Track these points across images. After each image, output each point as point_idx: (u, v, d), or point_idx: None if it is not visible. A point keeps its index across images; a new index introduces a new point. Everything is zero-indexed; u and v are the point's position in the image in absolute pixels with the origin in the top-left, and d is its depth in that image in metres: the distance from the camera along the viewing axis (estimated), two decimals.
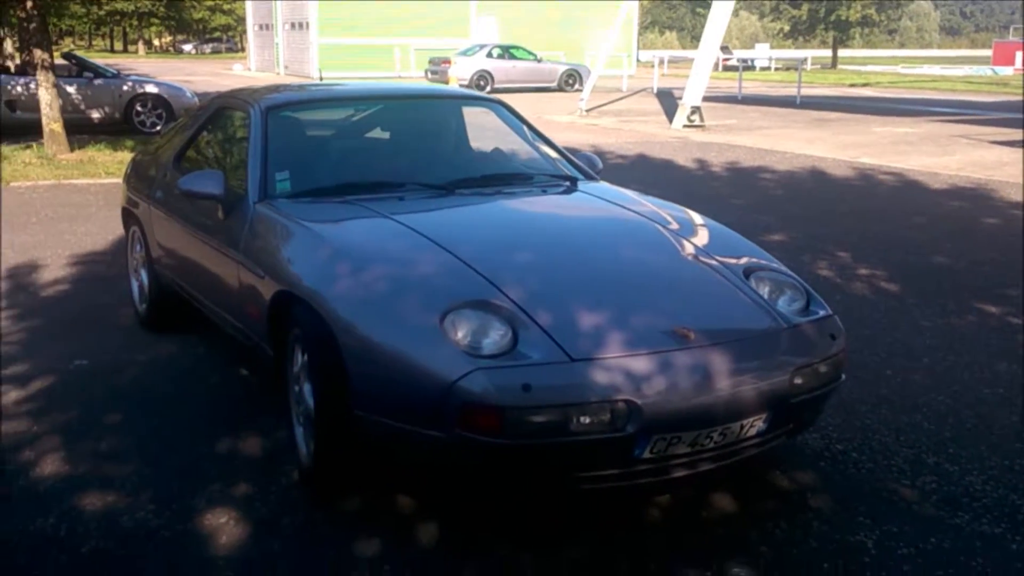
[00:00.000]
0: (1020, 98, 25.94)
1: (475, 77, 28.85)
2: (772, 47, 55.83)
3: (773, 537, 3.08)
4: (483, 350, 2.88)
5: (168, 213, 4.72)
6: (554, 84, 30.33)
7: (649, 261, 3.63)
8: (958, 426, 3.96)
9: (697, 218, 4.17)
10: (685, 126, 17.14)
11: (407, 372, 2.92)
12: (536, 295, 3.14)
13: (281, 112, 4.40)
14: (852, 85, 32.73)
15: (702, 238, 3.91)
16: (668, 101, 21.85)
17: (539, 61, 30.70)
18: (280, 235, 3.76)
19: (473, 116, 5.06)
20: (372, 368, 3.02)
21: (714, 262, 3.60)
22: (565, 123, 18.77)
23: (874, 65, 50.74)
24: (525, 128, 4.93)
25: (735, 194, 10.06)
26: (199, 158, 4.89)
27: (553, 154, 4.82)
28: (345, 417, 3.06)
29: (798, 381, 3.11)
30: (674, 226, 3.96)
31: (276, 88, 5.04)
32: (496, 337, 2.93)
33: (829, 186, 10.73)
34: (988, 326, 5.36)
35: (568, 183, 4.51)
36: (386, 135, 4.92)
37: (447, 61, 28.84)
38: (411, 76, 34.59)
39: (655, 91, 26.95)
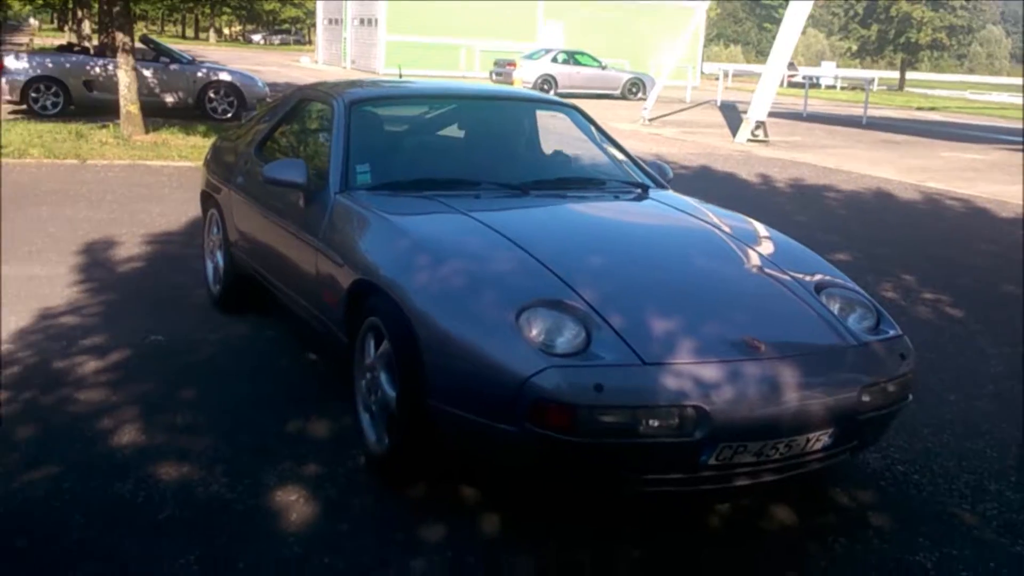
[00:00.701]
0: None
1: (539, 81, 28.92)
2: (838, 66, 55.23)
3: (832, 552, 3.11)
4: (557, 348, 2.94)
5: (248, 198, 4.84)
6: (617, 92, 30.28)
7: (720, 271, 3.67)
8: (1021, 455, 3.94)
9: (768, 231, 4.20)
10: (749, 140, 17.06)
11: (481, 366, 2.98)
12: (609, 298, 3.20)
13: (363, 106, 4.51)
14: (919, 108, 32.30)
15: (773, 251, 3.94)
16: (731, 114, 21.74)
17: (603, 68, 30.67)
18: (361, 225, 3.85)
19: (547, 120, 5.13)
20: (447, 360, 3.08)
21: (785, 276, 3.63)
22: (628, 131, 18.76)
23: (942, 89, 49.94)
24: (598, 134, 4.98)
25: (798, 211, 10.01)
26: (280, 147, 5.02)
27: (625, 161, 4.87)
28: (420, 407, 3.13)
29: (866, 399, 3.12)
30: (746, 237, 3.99)
31: (357, 83, 5.16)
32: (570, 336, 2.98)
33: (894, 208, 10.63)
34: None
35: (639, 190, 4.56)
36: (462, 134, 5.00)
37: (512, 64, 28.97)
38: (475, 76, 34.80)
39: (719, 104, 26.82)
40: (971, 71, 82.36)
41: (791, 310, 3.43)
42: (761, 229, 4.22)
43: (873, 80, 44.32)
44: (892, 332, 3.44)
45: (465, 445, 3.18)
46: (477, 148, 4.90)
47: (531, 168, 4.73)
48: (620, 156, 4.90)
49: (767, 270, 3.70)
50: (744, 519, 3.30)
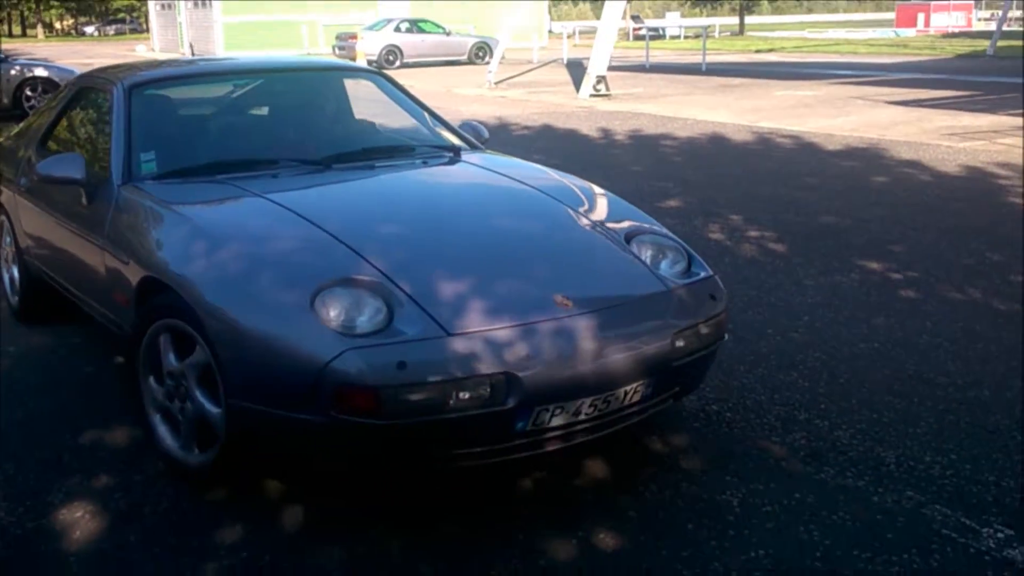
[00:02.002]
0: (919, 58, 26.57)
1: (383, 52, 28.50)
2: (683, 16, 56.20)
3: (642, 500, 3.10)
4: (357, 328, 2.81)
5: (34, 201, 4.53)
6: (464, 57, 30.14)
7: (528, 230, 3.59)
8: (832, 382, 4.03)
9: (578, 184, 4.14)
10: (592, 96, 17.18)
11: (278, 356, 2.83)
12: (410, 269, 3.08)
13: (145, 90, 4.25)
14: (758, 51, 33.13)
15: (582, 204, 3.88)
16: (577, 71, 21.82)
17: (448, 34, 30.44)
18: (144, 218, 3.63)
19: (352, 89, 4.96)
20: (241, 353, 2.91)
21: (595, 228, 3.61)
22: (473, 96, 18.66)
23: (782, 31, 51.42)
24: (408, 99, 4.84)
25: (635, 161, 10.11)
26: (62, 142, 4.71)
27: (436, 125, 4.74)
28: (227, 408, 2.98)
29: (679, 344, 3.11)
30: (554, 193, 3.92)
31: (142, 66, 4.85)
32: (370, 314, 2.86)
33: (728, 151, 10.84)
34: (869, 282, 5.46)
35: (451, 154, 4.44)
36: (262, 111, 4.79)
37: (354, 36, 28.38)
38: (319, 52, 34.02)
39: (565, 62, 26.92)
40: (810, 11, 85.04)
41: (600, 262, 3.40)
42: (570, 183, 4.15)
43: (714, 27, 45.34)
44: (703, 274, 3.44)
45: (269, 441, 3.02)
46: (278, 125, 4.69)
47: (334, 141, 4.53)
48: (431, 120, 4.77)
49: (574, 224, 3.67)
50: (559, 481, 3.26)
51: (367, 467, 3.06)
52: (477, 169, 4.29)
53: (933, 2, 47.98)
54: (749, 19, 53.70)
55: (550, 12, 57.30)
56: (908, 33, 42.05)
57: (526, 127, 13.31)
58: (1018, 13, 44.11)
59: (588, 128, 13.07)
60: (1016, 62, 21.55)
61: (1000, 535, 2.88)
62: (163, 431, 3.32)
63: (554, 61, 27.87)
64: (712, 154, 10.61)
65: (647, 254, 3.46)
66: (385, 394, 2.68)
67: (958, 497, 3.09)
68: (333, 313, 2.85)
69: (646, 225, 3.72)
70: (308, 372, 2.75)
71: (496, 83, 20.36)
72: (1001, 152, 10.05)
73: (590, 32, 44.03)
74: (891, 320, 4.79)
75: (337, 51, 29.41)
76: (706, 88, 18.73)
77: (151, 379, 3.35)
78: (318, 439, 2.86)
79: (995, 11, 33.69)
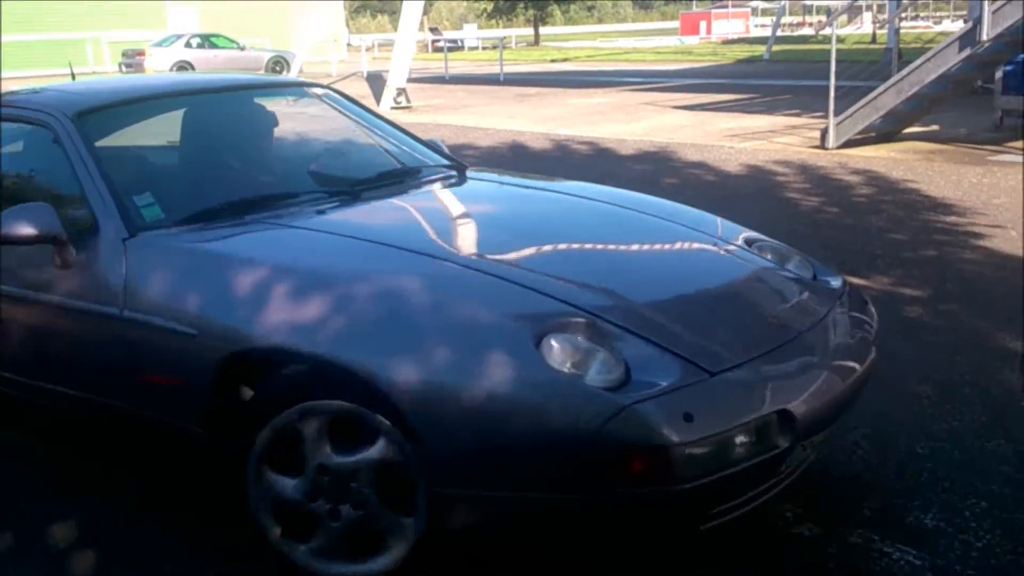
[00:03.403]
0: (702, 64, 28.01)
1: (174, 69, 27.58)
2: (480, 27, 57.03)
3: None
4: (599, 380, 2.36)
5: None
6: (261, 73, 29.54)
7: (686, 254, 3.29)
8: None
9: (654, 199, 3.91)
10: (392, 107, 17.20)
11: (520, 427, 2.31)
12: (615, 305, 2.68)
13: (95, 119, 3.50)
14: (553, 60, 34.06)
15: (679, 218, 3.63)
16: (377, 84, 21.75)
17: (243, 49, 29.83)
18: (212, 278, 2.87)
19: (305, 107, 4.54)
20: (461, 432, 2.37)
21: (724, 242, 3.38)
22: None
23: (575, 41, 53.01)
24: (370, 115, 4.41)
25: None
26: None
27: (412, 142, 4.29)
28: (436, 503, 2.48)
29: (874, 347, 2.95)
30: (658, 212, 3.66)
31: (68, 88, 4.06)
32: (604, 361, 2.41)
33: (527, 158, 11.11)
34: None
35: (457, 173, 4.02)
36: (235, 136, 4.13)
37: (141, 53, 27.39)
38: (106, 71, 32.51)
39: (365, 75, 26.80)
40: (600, 21, 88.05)
41: (765, 277, 3.17)
42: (651, 199, 3.90)
43: (510, 37, 46.24)
44: (833, 280, 3.33)
45: (497, 530, 2.55)
46: (263, 151, 4.13)
47: (333, 166, 4.05)
48: (407, 138, 4.34)
49: (708, 241, 3.38)
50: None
51: (617, 542, 2.66)
52: (531, 191, 3.99)
53: (714, 10, 50.70)
54: (544, 30, 55.11)
55: (348, 25, 56.95)
56: (692, 40, 44.19)
57: (327, 143, 13.16)
58: (792, 19, 47.18)
59: None
60: (789, 65, 23.10)
61: None
62: (278, 535, 2.73)
63: (354, 74, 27.69)
64: (512, 162, 10.84)
65: (776, 259, 3.32)
66: (677, 454, 2.26)
67: None
68: (568, 364, 2.39)
69: (754, 233, 3.56)
70: (573, 440, 2.27)
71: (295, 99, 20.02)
72: (778, 150, 10.76)
73: (389, 44, 43.99)
74: None
75: (124, 68, 28.24)
76: (505, 98, 19.09)
77: (272, 473, 2.68)
78: (569, 520, 2.44)
79: (771, 17, 35.91)
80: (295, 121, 4.47)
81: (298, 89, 4.75)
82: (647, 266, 3.19)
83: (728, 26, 47.74)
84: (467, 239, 3.30)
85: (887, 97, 10.42)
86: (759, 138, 11.78)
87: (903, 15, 23.49)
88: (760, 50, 30.24)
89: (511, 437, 2.33)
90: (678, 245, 3.36)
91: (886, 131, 10.93)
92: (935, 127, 11.76)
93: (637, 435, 2.26)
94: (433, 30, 49.44)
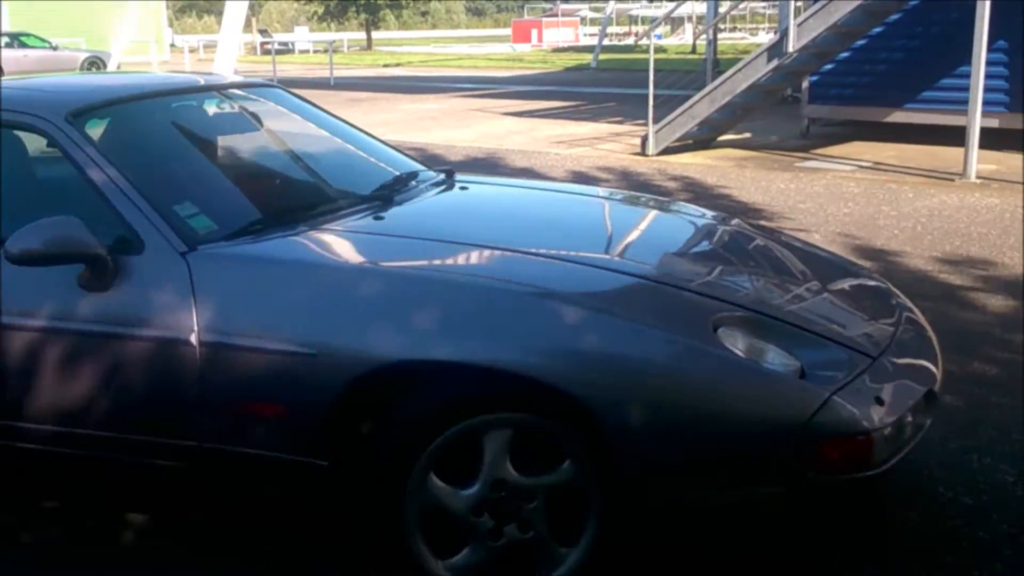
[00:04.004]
0: (532, 71, 28.46)
1: None
2: (311, 30, 56.12)
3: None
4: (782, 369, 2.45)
5: None
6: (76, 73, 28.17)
7: (748, 243, 3.53)
8: None
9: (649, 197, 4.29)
10: (216, 113, 16.68)
11: (731, 421, 2.33)
12: (758, 297, 2.81)
13: (92, 118, 3.12)
14: (386, 65, 33.89)
15: (700, 215, 3.89)
16: None
17: (55, 49, 28.39)
18: (325, 290, 2.62)
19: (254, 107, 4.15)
20: (669, 433, 2.34)
21: (736, 231, 3.65)
22: None
23: (409, 46, 52.89)
24: (329, 117, 4.16)
25: None
26: None
27: (383, 147, 4.13)
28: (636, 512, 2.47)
29: None
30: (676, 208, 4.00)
31: (45, 85, 3.61)
32: (776, 351, 2.48)
33: None
34: None
35: (446, 176, 3.84)
36: (237, 138, 3.94)
37: None
38: None
39: None
40: (434, 26, 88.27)
41: (799, 253, 3.48)
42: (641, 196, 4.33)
43: (342, 41, 45.75)
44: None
45: (686, 534, 2.64)
46: (271, 154, 3.91)
47: (349, 168, 3.83)
48: (372, 141, 4.17)
49: (781, 243, 3.63)
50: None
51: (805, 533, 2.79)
52: (523, 191, 4.10)
53: (545, 19, 51.63)
54: (377, 34, 54.76)
55: (173, 25, 55.00)
56: (524, 48, 44.85)
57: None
58: (618, 29, 48.55)
59: None
60: (615, 74, 23.76)
61: None
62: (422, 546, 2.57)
63: None
64: None
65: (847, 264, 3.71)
66: (877, 438, 2.34)
67: None
68: (748, 355, 2.44)
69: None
70: (783, 432, 2.31)
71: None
72: (601, 157, 11.03)
73: (216, 46, 42.79)
74: None
75: None
76: (335, 102, 18.81)
77: (439, 481, 2.52)
78: (765, 515, 2.53)
79: (599, 27, 36.89)
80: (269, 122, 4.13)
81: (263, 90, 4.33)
82: (750, 267, 3.26)
83: (559, 34, 48.73)
84: (576, 242, 3.19)
85: (702, 106, 10.84)
86: (584, 144, 12.05)
87: (722, 26, 24.57)
88: (588, 58, 30.97)
89: (721, 436, 2.33)
90: (752, 244, 3.52)
91: (702, 138, 11.38)
92: (748, 135, 12.33)
93: (842, 423, 2.32)
94: (262, 32, 48.37)
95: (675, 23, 39.86)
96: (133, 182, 2.85)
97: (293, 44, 47.13)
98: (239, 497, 3.15)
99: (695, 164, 10.41)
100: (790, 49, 10.18)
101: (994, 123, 10.05)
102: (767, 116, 13.10)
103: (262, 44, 44.07)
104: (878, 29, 11.25)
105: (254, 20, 46.96)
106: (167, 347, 2.63)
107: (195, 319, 2.61)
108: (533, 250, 2.87)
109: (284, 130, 4.05)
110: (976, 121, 8.93)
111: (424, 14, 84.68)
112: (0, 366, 2.83)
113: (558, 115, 15.70)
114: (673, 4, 22.85)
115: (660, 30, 16.95)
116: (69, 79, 4.25)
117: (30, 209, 2.93)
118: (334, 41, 32.20)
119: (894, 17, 11.14)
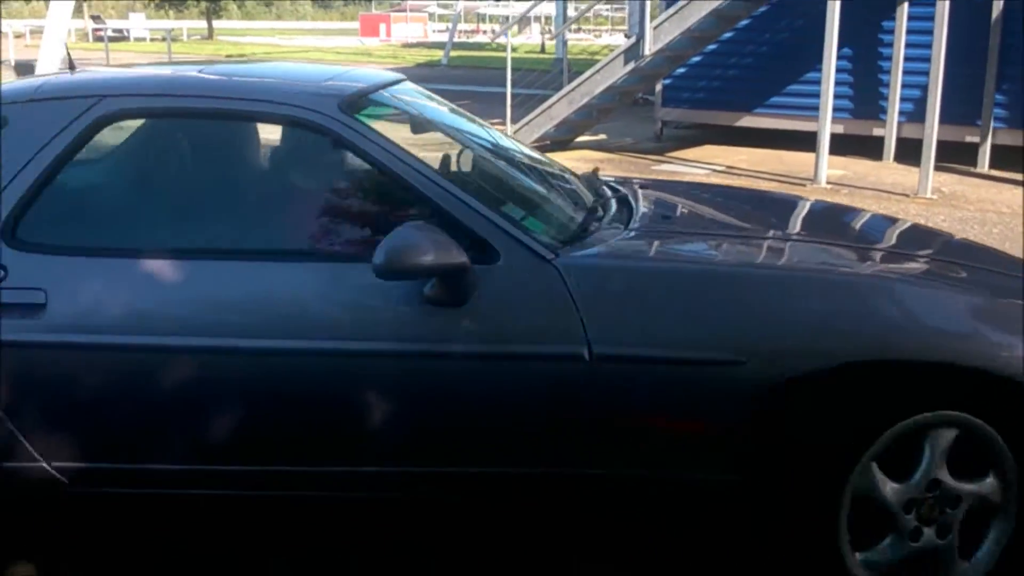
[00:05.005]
0: (384, 67, 27.96)
1: None
2: (148, 17, 53.78)
3: None
4: None
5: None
6: None
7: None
8: None
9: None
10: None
11: None
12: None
13: (370, 107, 2.96)
14: (228, 56, 32.70)
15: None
16: (29, 74, 19.79)
17: None
18: (751, 293, 2.50)
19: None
20: None
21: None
22: None
23: (253, 36, 51.33)
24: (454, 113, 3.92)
25: None
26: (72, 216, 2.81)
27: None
28: None
29: None
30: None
31: (274, 69, 3.36)
32: None
33: None
34: None
35: (593, 174, 3.96)
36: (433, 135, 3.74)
37: None
38: None
39: (13, 64, 24.29)
40: (279, 17, 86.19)
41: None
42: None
43: (182, 30, 43.97)
44: None
45: None
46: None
47: (529, 171, 3.53)
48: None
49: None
50: None
51: None
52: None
53: (393, 13, 51.01)
54: (218, 23, 52.93)
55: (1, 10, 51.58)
56: (373, 42, 44.20)
57: None
58: (467, 26, 48.46)
59: None
60: (466, 71, 23.56)
61: None
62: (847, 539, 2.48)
63: (2, 63, 25.05)
64: None
65: None
66: None
67: None
68: None
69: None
70: None
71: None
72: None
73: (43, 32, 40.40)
74: None
75: None
76: None
77: (880, 472, 2.45)
78: None
79: (448, 23, 36.69)
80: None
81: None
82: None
83: (407, 29, 48.23)
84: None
85: (560, 107, 10.75)
86: (436, 149, 11.74)
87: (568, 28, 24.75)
88: (438, 55, 30.69)
89: None
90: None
91: (560, 139, 11.30)
92: (603, 136, 12.33)
93: None
94: (95, 18, 46.03)
95: (522, 23, 39.97)
96: (456, 179, 2.65)
97: (128, 31, 44.97)
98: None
99: None
100: (646, 52, 10.19)
101: (840, 129, 10.35)
102: (621, 118, 13.14)
103: (95, 31, 41.87)
104: (729, 34, 11.42)
105: (86, 6, 44.54)
106: (552, 364, 2.45)
107: (584, 332, 2.43)
108: (811, 239, 3.07)
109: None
110: (827, 127, 9.13)
111: (268, 4, 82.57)
112: (330, 398, 2.54)
113: None
114: (529, 3, 22.81)
115: (509, 30, 16.92)
116: (257, 68, 3.62)
117: (307, 214, 2.75)
118: (172, 29, 30.82)
119: (744, 23, 11.32)
